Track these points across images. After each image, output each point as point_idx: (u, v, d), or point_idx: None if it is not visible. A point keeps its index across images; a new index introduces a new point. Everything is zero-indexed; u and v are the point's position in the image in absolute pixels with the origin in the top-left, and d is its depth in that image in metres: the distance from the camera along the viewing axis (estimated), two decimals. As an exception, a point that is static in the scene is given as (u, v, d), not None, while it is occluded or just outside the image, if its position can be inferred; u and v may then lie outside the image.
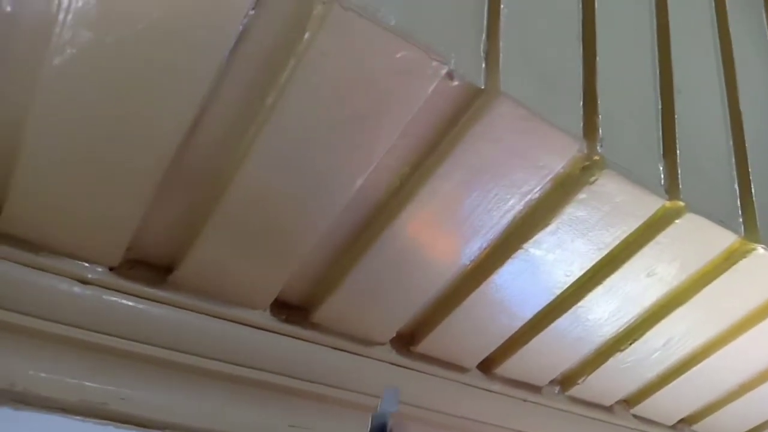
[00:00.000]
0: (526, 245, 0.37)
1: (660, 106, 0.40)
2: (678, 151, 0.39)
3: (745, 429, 0.61)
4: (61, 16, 0.26)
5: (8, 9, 0.26)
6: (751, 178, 0.43)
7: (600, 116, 0.35)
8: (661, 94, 0.40)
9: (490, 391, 0.48)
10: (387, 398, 0.33)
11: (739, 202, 0.42)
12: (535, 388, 0.50)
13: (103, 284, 0.34)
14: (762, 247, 0.40)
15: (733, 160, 0.43)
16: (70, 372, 0.34)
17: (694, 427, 0.59)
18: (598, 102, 0.35)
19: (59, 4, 0.26)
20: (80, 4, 0.25)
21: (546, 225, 0.36)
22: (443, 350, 0.44)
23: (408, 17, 0.28)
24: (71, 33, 0.26)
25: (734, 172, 0.43)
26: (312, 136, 0.30)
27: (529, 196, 0.35)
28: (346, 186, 0.33)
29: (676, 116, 0.40)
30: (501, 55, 0.31)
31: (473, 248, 0.38)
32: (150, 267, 0.35)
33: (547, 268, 0.39)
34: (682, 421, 0.59)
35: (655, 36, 0.42)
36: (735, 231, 0.40)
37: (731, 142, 0.44)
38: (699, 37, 0.45)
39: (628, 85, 0.38)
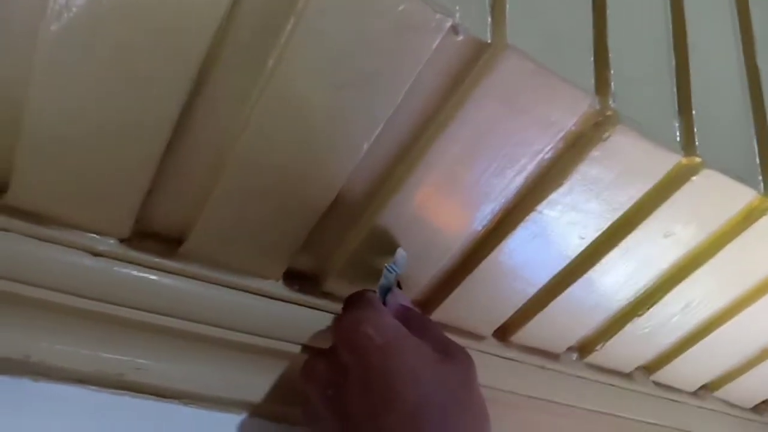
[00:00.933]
0: (539, 207, 0.37)
1: (674, 62, 0.39)
2: (693, 107, 0.37)
3: (769, 394, 0.60)
4: (57, -19, 0.25)
5: (4, -25, 0.26)
6: (770, 134, 0.42)
7: (612, 71, 0.34)
8: (675, 49, 0.39)
9: (507, 358, 0.47)
10: (399, 260, 0.36)
11: (757, 159, 0.41)
12: (552, 355, 0.49)
13: (114, 256, 0.34)
14: (783, 204, 0.39)
15: (751, 115, 0.42)
16: (85, 343, 0.34)
17: (716, 393, 0.59)
18: (610, 57, 0.34)
19: (55, -32, 0.25)
20: (76, -34, 0.25)
21: (559, 185, 0.35)
22: (457, 318, 0.44)
23: (409, -30, 0.27)
24: (67, -3, 0.25)
25: (752, 129, 0.42)
26: (315, 98, 0.30)
27: (540, 155, 0.34)
28: (352, 150, 0.32)
29: (690, 71, 0.38)
30: (507, 7, 0.30)
31: (485, 212, 0.37)
32: (160, 238, 0.35)
33: (561, 230, 0.38)
34: (703, 387, 0.58)
35: (669, -10, 0.41)
36: (754, 187, 0.39)
37: (748, 98, 0.42)
38: (714, -10, 0.44)
39: (640, 40, 0.37)
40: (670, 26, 0.40)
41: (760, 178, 0.40)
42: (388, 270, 0.36)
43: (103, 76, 0.28)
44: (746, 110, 0.42)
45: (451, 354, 0.33)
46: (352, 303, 0.36)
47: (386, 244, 0.37)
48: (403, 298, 0.38)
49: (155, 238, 0.35)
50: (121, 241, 0.34)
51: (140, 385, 0.35)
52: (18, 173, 0.30)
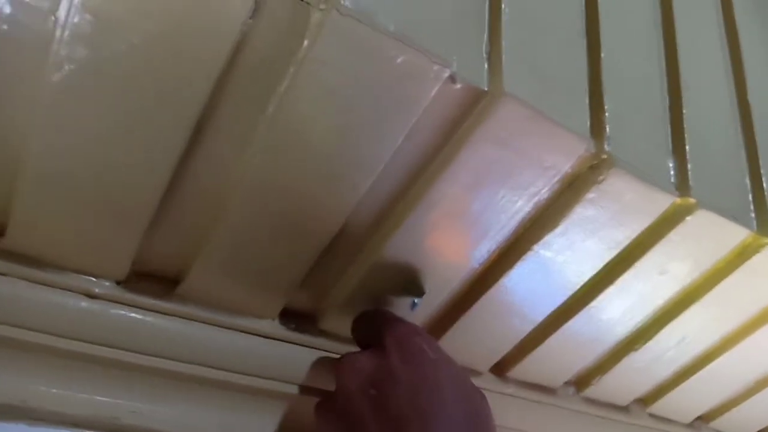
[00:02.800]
0: (535, 247, 0.37)
1: (668, 103, 0.39)
2: (687, 148, 0.38)
3: (762, 426, 0.60)
4: (58, 33, 0.26)
5: (4, 27, 0.26)
6: (762, 171, 0.42)
7: (607, 114, 0.34)
8: (669, 90, 0.40)
9: (504, 394, 0.47)
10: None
11: (750, 197, 0.41)
12: (549, 390, 0.49)
13: (111, 298, 0.34)
14: (775, 242, 0.40)
15: (744, 154, 0.42)
16: (80, 387, 0.34)
17: (712, 424, 0.59)
18: (604, 100, 0.35)
19: (56, 21, 0.26)
20: (76, 19, 0.25)
21: (555, 226, 0.36)
22: (454, 354, 0.43)
23: (407, 21, 0.28)
24: (68, 49, 0.26)
25: (745, 167, 0.42)
26: (315, 143, 0.30)
27: (537, 198, 0.34)
28: (349, 194, 0.32)
29: (684, 112, 0.39)
30: (503, 55, 0.31)
31: (482, 251, 0.37)
32: (157, 280, 0.35)
33: (557, 269, 0.39)
34: (699, 418, 0.58)
35: (661, 32, 0.41)
36: (747, 226, 0.39)
37: (741, 137, 0.43)
38: (705, 32, 0.45)
39: (634, 82, 0.38)
40: (664, 66, 0.40)
41: (753, 215, 0.40)
42: (415, 303, 0.38)
43: (103, 122, 0.28)
44: (738, 147, 0.43)
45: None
46: (396, 317, 0.37)
47: (385, 282, 0.37)
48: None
49: (152, 278, 0.35)
50: (118, 282, 0.34)
51: (135, 428, 0.34)
52: (15, 217, 0.30)
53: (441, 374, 0.33)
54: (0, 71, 0.27)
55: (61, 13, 0.26)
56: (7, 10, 0.26)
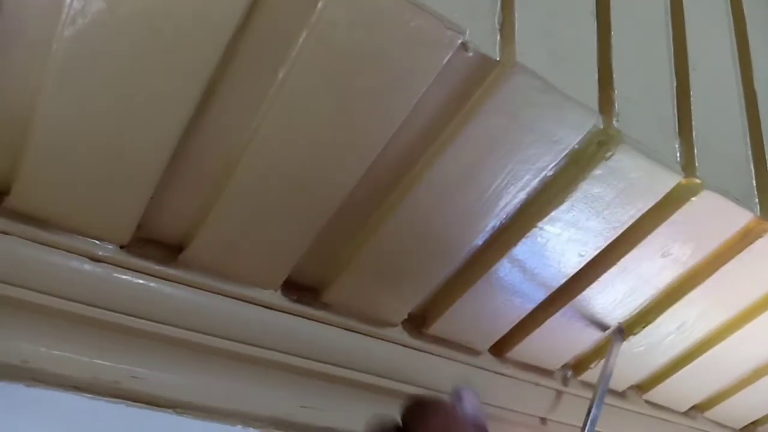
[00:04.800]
0: (540, 223, 0.37)
1: (675, 84, 0.39)
2: (694, 129, 0.38)
3: (757, 416, 0.60)
4: (72, -15, 0.25)
5: (19, -22, 0.26)
6: (766, 156, 0.42)
7: (615, 91, 0.34)
8: (676, 71, 0.40)
9: (502, 374, 0.47)
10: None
11: (754, 181, 0.41)
12: (547, 372, 0.49)
13: (114, 262, 0.34)
14: (779, 227, 0.40)
15: (748, 139, 0.43)
16: (81, 350, 0.34)
17: (706, 413, 0.59)
18: (614, 77, 0.35)
19: (71, -27, 0.25)
20: (92, -29, 0.25)
21: (561, 202, 0.36)
22: (455, 332, 0.44)
23: (422, -14, 0.28)
24: (83, 3, 0.25)
25: (749, 151, 0.42)
26: (324, 110, 0.30)
27: (544, 173, 0.34)
28: (358, 162, 0.32)
29: (691, 93, 0.39)
30: (516, 26, 0.31)
31: (487, 226, 0.37)
32: (161, 245, 0.35)
33: (561, 247, 0.39)
34: (694, 407, 0.58)
35: (670, 13, 0.41)
36: (751, 209, 0.39)
37: (746, 122, 0.43)
38: (713, 15, 0.45)
39: (642, 61, 0.38)
40: (672, 48, 0.40)
41: (757, 200, 0.41)
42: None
43: (114, 85, 0.28)
44: (744, 133, 0.43)
45: None
46: (433, 411, 0.32)
47: (388, 256, 0.37)
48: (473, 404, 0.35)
49: (156, 244, 0.35)
50: (121, 247, 0.34)
51: (136, 393, 0.34)
52: (21, 177, 0.30)
53: None
54: (13, 25, 0.27)
55: (77, -34, 0.25)
56: (21, -39, 0.26)
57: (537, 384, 0.49)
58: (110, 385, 0.34)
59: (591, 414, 0.40)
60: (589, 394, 0.52)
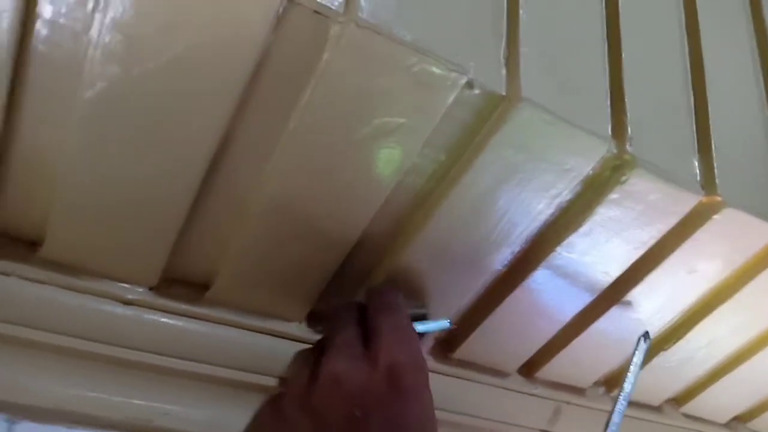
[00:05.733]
0: (559, 248, 0.37)
1: (693, 102, 0.39)
2: (713, 145, 0.37)
3: (804, 425, 0.59)
4: (90, 52, 0.27)
5: (41, 47, 0.27)
6: (792, 168, 0.41)
7: (628, 115, 0.34)
8: (694, 89, 0.39)
9: (533, 395, 0.47)
10: None
11: (780, 195, 0.40)
12: (578, 390, 0.49)
13: (144, 304, 0.35)
14: (806, 240, 0.39)
15: (773, 151, 0.42)
16: (115, 390, 0.35)
17: (750, 424, 0.57)
18: (626, 101, 0.34)
19: (89, 41, 0.27)
20: (107, 39, 0.26)
21: (578, 227, 0.36)
22: (482, 355, 0.44)
23: (425, 30, 0.28)
24: (100, 68, 0.27)
25: (774, 164, 0.41)
26: (336, 154, 0.31)
27: (558, 200, 0.34)
28: (371, 201, 0.33)
29: (709, 110, 0.38)
30: (521, 60, 0.31)
31: (505, 254, 0.37)
32: (188, 285, 0.36)
33: (583, 269, 0.39)
34: (735, 418, 0.57)
35: (684, 30, 0.41)
36: (777, 224, 0.38)
37: (770, 133, 0.42)
38: (731, 29, 0.44)
39: (657, 82, 0.37)
40: (688, 65, 0.40)
41: (784, 213, 0.40)
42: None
43: (134, 141, 0.29)
44: (766, 146, 0.42)
45: None
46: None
47: (408, 284, 0.38)
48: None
49: (182, 284, 0.36)
50: (150, 288, 0.35)
51: (168, 430, 0.36)
52: (53, 228, 0.32)
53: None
54: (38, 90, 0.29)
55: (94, 33, 0.27)
56: (44, 32, 0.27)
57: (569, 403, 0.48)
58: (144, 424, 0.35)
59: (611, 421, 0.40)
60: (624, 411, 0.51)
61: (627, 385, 0.41)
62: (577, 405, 0.49)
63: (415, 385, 0.31)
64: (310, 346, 0.35)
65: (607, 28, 0.36)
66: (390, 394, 0.30)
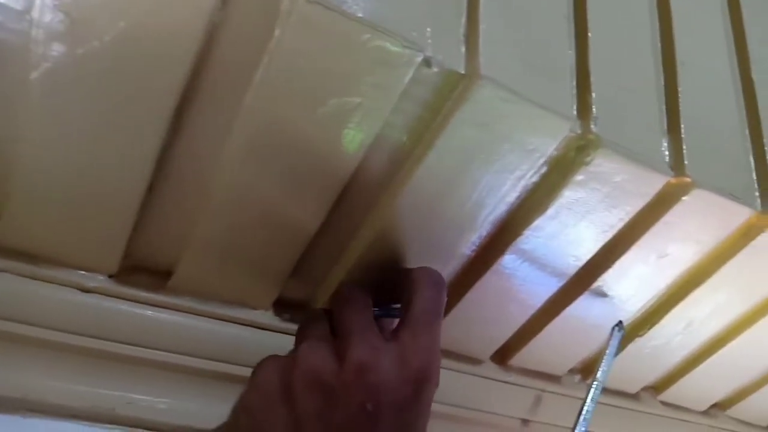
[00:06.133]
0: (526, 231, 0.36)
1: (663, 81, 0.38)
2: (683, 126, 0.37)
3: (785, 411, 0.58)
4: (33, 32, 0.26)
5: (-16, 29, 0.27)
6: (766, 149, 0.41)
7: (594, 94, 0.34)
8: (664, 67, 0.39)
9: (507, 382, 0.47)
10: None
11: (754, 175, 0.40)
12: (554, 378, 0.49)
13: (104, 291, 0.34)
14: (780, 221, 0.38)
15: (747, 131, 0.41)
16: (78, 379, 0.35)
17: (729, 411, 0.57)
18: (591, 80, 0.34)
19: (31, 21, 0.26)
20: (49, 19, 0.25)
21: (545, 210, 0.35)
22: (454, 343, 0.44)
23: (379, 6, 0.27)
24: (44, 47, 0.26)
25: (748, 144, 0.41)
26: (294, 131, 0.30)
27: (523, 182, 0.34)
28: (333, 182, 0.32)
29: (679, 89, 0.38)
30: (481, 37, 0.30)
31: (472, 238, 0.37)
32: (149, 272, 0.36)
33: (551, 253, 0.38)
34: (715, 405, 0.57)
35: (655, 7, 0.40)
36: (750, 205, 0.38)
37: (744, 113, 0.42)
38: (703, 5, 0.43)
39: (625, 61, 0.37)
40: (659, 44, 0.39)
41: (757, 194, 0.39)
42: None
43: (83, 118, 0.29)
44: (742, 125, 0.41)
45: None
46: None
47: (375, 272, 0.37)
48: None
49: (144, 272, 0.36)
50: (111, 276, 0.35)
51: (132, 419, 0.35)
52: (7, 215, 0.31)
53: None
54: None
55: (35, 12, 0.26)
56: (-14, 12, 0.26)
57: (544, 390, 0.48)
58: (107, 412, 0.35)
59: (584, 410, 0.40)
60: (600, 398, 0.51)
61: (600, 375, 0.41)
62: (555, 393, 0.49)
63: (430, 399, 0.30)
64: (319, 323, 0.34)
65: (574, 4, 0.36)
66: (411, 401, 0.29)
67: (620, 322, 0.42)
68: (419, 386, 0.30)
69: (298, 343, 0.33)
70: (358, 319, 0.32)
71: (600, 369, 0.41)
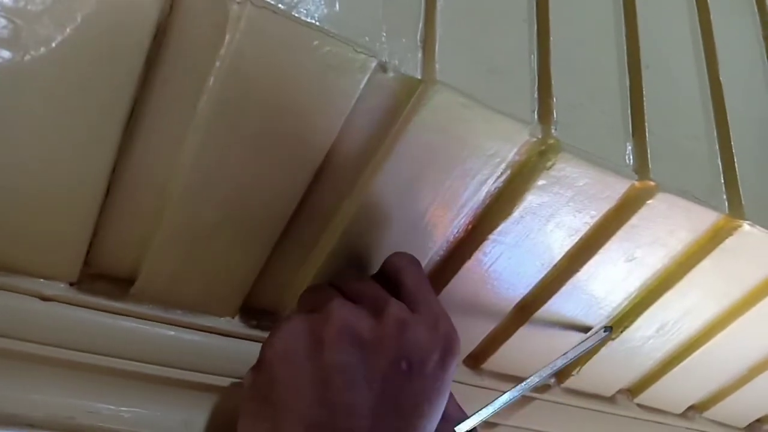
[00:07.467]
0: (491, 236, 0.36)
1: (627, 83, 0.38)
2: (647, 129, 0.37)
3: (761, 414, 0.58)
4: (-21, 38, 0.26)
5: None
6: (734, 151, 0.41)
7: (555, 98, 0.34)
8: (629, 70, 0.39)
9: (480, 387, 0.47)
10: None
11: (722, 178, 0.40)
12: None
13: (64, 300, 0.34)
14: (748, 224, 0.38)
15: (715, 134, 0.41)
16: (35, 388, 0.34)
17: (706, 413, 0.57)
18: (553, 84, 0.34)
19: (-22, 26, 0.26)
20: (-7, 24, 0.25)
21: (509, 214, 0.35)
22: (424, 348, 0.43)
23: (331, 10, 0.27)
24: (-10, 54, 0.26)
25: (716, 147, 0.41)
26: (247, 139, 0.30)
27: (485, 187, 0.34)
28: (291, 190, 0.32)
29: (644, 93, 0.38)
30: (437, 42, 0.30)
31: (438, 243, 0.37)
32: (111, 280, 0.35)
33: (519, 258, 0.38)
34: (691, 408, 0.57)
35: (622, 11, 0.40)
36: (717, 208, 0.38)
37: (711, 115, 0.42)
38: (671, 8, 0.43)
39: (588, 64, 0.37)
40: (624, 47, 0.39)
41: (725, 197, 0.39)
42: None
43: (36, 122, 0.28)
44: (709, 127, 0.41)
45: None
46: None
47: (339, 278, 0.37)
48: None
49: (106, 279, 0.35)
50: (71, 284, 0.34)
51: (92, 428, 0.34)
52: (-38, 223, 0.31)
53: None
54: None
55: (-20, 17, 0.26)
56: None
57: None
58: (65, 421, 0.34)
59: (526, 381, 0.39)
60: (576, 402, 0.51)
61: (559, 361, 0.40)
62: (526, 396, 0.48)
63: (453, 371, 0.31)
64: (328, 290, 0.34)
65: (536, 7, 0.36)
66: (438, 368, 0.30)
67: (610, 327, 0.42)
68: (445, 354, 0.31)
69: (303, 309, 0.33)
70: (379, 288, 0.33)
71: (564, 354, 0.40)
